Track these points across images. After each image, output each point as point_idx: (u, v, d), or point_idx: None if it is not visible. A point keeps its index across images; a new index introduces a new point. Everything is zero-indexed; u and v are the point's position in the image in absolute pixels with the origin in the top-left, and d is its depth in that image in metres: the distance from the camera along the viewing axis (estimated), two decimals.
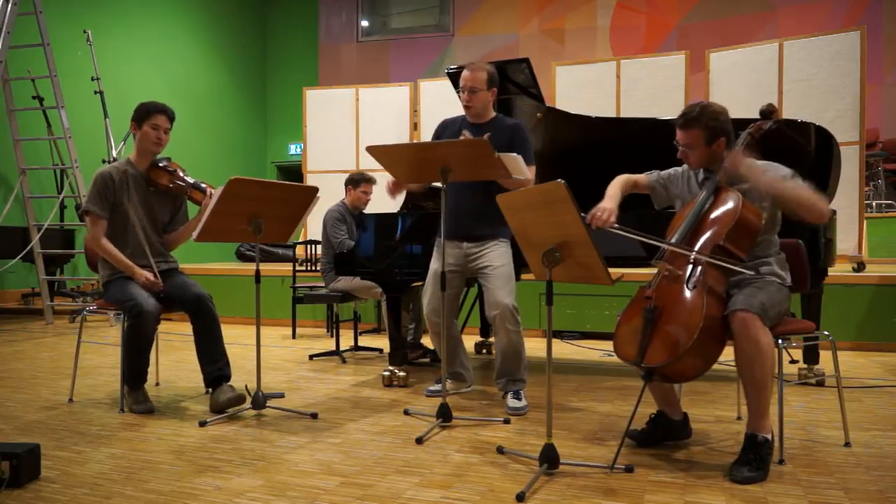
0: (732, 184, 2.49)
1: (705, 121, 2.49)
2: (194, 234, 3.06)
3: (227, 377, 3.21)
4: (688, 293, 2.33)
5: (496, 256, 3.22)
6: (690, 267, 2.38)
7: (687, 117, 2.53)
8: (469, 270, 3.31)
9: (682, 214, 2.57)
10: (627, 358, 2.38)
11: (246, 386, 3.48)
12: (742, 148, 2.55)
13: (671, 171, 2.77)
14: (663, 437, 2.59)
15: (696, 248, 2.41)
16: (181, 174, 3.32)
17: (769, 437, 2.29)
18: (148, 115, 3.24)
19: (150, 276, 3.17)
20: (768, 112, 2.68)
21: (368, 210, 4.78)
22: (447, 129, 3.39)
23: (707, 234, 2.41)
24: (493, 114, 3.33)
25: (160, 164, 3.31)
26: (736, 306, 2.28)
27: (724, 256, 2.38)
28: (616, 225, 2.49)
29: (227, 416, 3.03)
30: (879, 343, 4.73)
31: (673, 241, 2.47)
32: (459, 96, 3.30)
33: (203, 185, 3.33)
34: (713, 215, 2.44)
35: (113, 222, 3.23)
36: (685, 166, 2.73)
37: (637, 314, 2.40)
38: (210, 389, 3.19)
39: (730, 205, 2.41)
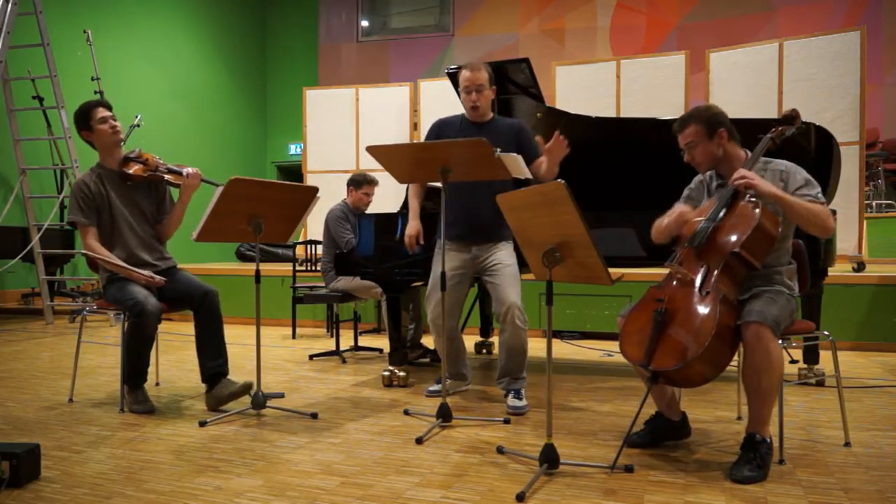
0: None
1: (698, 115, 2.53)
2: (194, 235, 3.04)
3: (226, 374, 3.21)
4: (700, 299, 2.30)
5: (505, 255, 3.25)
6: (703, 271, 2.36)
7: (680, 119, 2.59)
8: (475, 270, 3.32)
9: (696, 219, 2.53)
10: (634, 359, 2.35)
11: None
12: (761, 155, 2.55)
13: (688, 187, 2.75)
14: (663, 437, 2.59)
15: (711, 254, 2.38)
16: (154, 162, 3.30)
17: (768, 438, 2.29)
18: (88, 114, 3.22)
19: (149, 275, 3.16)
20: (791, 117, 2.66)
21: (368, 211, 4.79)
22: (447, 127, 3.37)
23: (723, 240, 2.37)
24: (492, 114, 3.34)
25: (131, 157, 3.29)
26: (751, 317, 2.25)
27: (739, 264, 2.37)
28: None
29: (226, 415, 3.03)
30: (879, 343, 4.73)
31: (687, 244, 2.46)
32: (460, 97, 3.30)
33: (177, 168, 3.33)
34: (730, 222, 2.40)
35: (101, 227, 3.23)
36: (698, 176, 2.73)
37: (645, 315, 2.38)
38: (206, 386, 3.20)
39: (750, 211, 2.37)
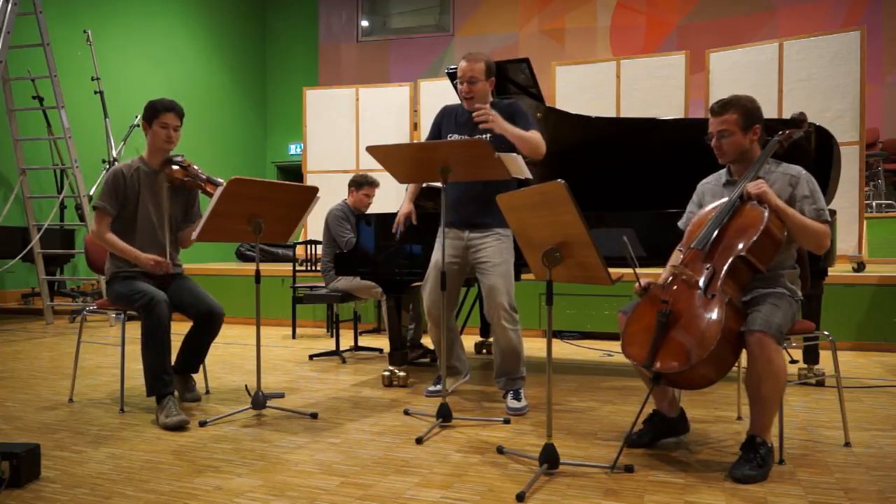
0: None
1: (741, 104, 2.48)
2: (194, 234, 3.05)
3: (195, 372, 3.34)
4: (706, 302, 2.29)
5: (495, 252, 3.21)
6: (709, 274, 2.35)
7: (722, 101, 2.50)
8: (469, 262, 3.31)
9: (703, 219, 2.53)
10: (637, 360, 2.34)
11: (246, 386, 3.50)
12: (769, 158, 2.54)
13: (689, 207, 2.74)
14: (661, 435, 2.58)
15: (717, 255, 2.38)
16: (195, 170, 3.31)
17: (769, 443, 2.29)
18: (156, 113, 3.20)
19: (156, 257, 3.14)
20: (799, 120, 2.65)
21: (368, 211, 4.79)
22: (447, 116, 3.39)
23: (730, 244, 2.37)
24: (490, 100, 3.32)
25: (175, 160, 3.29)
26: (755, 326, 2.24)
27: (744, 268, 2.36)
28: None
29: (226, 415, 3.03)
30: (879, 343, 4.73)
31: (693, 245, 2.45)
32: (457, 88, 3.30)
33: (217, 180, 3.31)
34: (737, 225, 2.39)
35: (123, 219, 3.21)
36: (699, 187, 2.73)
37: (648, 315, 2.37)
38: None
39: (757, 215, 2.36)
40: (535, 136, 3.13)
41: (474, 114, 3.04)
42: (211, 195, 3.30)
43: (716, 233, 2.42)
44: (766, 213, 2.35)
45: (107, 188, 3.19)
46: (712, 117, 2.53)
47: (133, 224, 3.22)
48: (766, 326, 2.23)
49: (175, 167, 3.27)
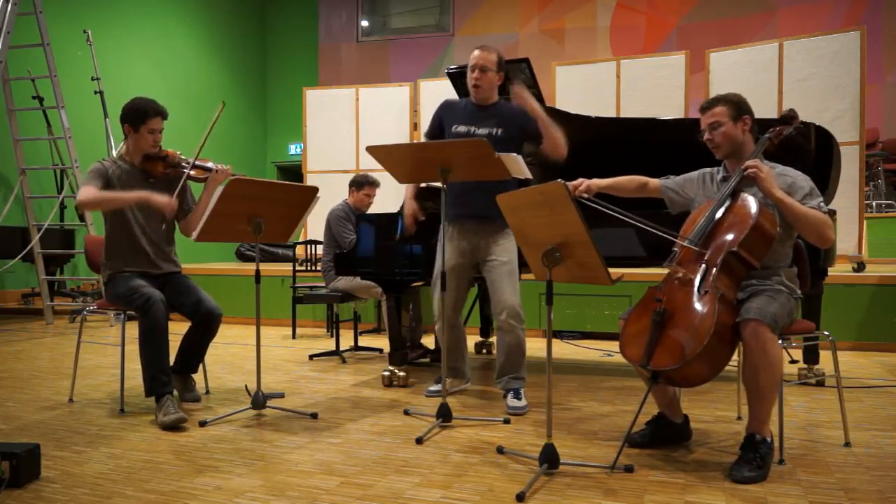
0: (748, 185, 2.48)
1: (729, 97, 2.56)
2: (194, 234, 3.04)
3: (194, 372, 3.33)
4: (699, 298, 2.31)
5: (502, 250, 3.22)
6: (702, 271, 2.36)
7: (708, 99, 2.60)
8: (476, 259, 3.30)
9: (697, 216, 2.55)
10: (634, 359, 2.35)
11: (246, 386, 3.50)
12: (761, 154, 2.55)
13: (686, 175, 2.76)
14: (664, 439, 2.58)
15: (710, 252, 2.39)
16: (176, 158, 3.24)
17: (769, 438, 2.29)
18: (145, 117, 3.15)
19: (147, 195, 3.06)
20: (790, 117, 2.67)
21: (368, 211, 4.79)
22: (450, 110, 3.39)
23: (722, 239, 2.38)
24: (497, 98, 3.33)
25: (151, 154, 3.22)
26: (749, 315, 2.25)
27: (738, 263, 2.37)
28: (586, 196, 2.62)
29: (226, 415, 3.03)
30: (879, 343, 4.73)
31: (686, 243, 2.46)
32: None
33: (200, 163, 3.25)
34: (730, 220, 2.41)
35: (112, 220, 3.19)
36: (702, 170, 2.73)
37: (645, 315, 2.38)
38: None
39: (747, 210, 2.38)
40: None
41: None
42: (199, 180, 3.27)
43: (708, 229, 2.43)
44: (757, 208, 2.36)
45: (91, 174, 3.13)
46: (702, 115, 2.60)
47: (123, 224, 3.18)
48: (760, 315, 2.24)
49: (154, 161, 3.21)
